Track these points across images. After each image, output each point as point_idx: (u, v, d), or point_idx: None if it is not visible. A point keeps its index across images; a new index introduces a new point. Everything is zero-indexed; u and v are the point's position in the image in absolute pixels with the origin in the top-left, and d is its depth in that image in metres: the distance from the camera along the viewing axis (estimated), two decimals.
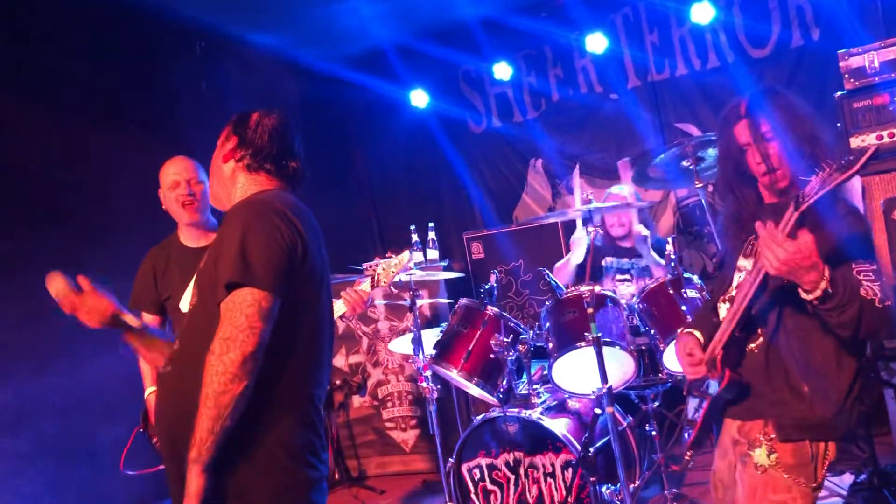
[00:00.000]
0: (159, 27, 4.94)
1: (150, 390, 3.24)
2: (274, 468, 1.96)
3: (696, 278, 3.74)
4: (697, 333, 2.39)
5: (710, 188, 4.24)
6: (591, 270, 3.58)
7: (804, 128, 2.23)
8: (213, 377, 1.84)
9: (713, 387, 2.31)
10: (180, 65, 5.22)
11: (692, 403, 2.44)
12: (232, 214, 2.08)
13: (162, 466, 2.87)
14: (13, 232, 4.06)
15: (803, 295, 1.98)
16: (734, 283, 2.32)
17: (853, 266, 2.05)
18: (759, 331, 2.24)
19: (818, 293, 1.93)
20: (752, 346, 2.25)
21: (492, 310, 3.87)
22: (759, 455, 2.16)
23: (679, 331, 2.50)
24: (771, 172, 2.25)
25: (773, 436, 2.16)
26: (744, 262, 2.31)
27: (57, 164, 4.12)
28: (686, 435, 2.45)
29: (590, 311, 3.30)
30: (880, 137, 3.46)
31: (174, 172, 3.26)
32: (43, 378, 4.14)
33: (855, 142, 3.50)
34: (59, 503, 4.15)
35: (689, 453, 2.47)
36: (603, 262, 4.57)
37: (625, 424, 3.82)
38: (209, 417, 1.84)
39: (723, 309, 2.34)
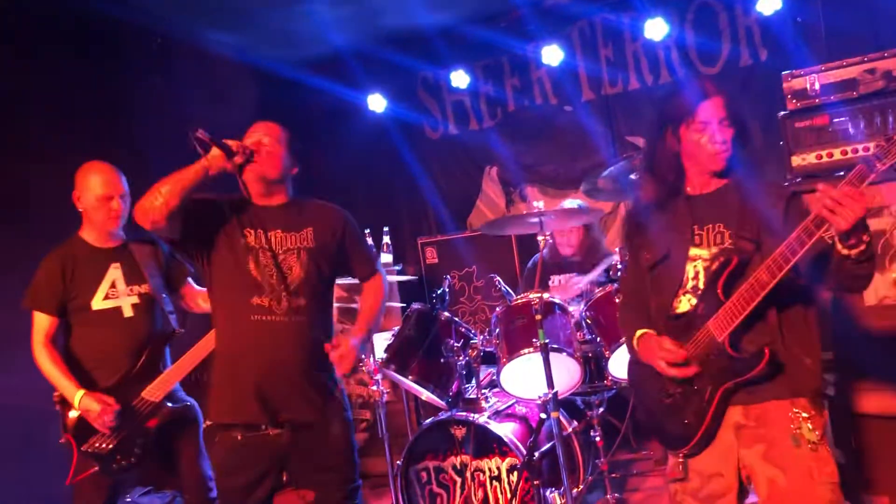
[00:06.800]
0: (115, 20, 4.88)
1: (80, 394, 3.14)
2: None
3: None
4: (653, 332, 2.40)
5: None
6: (540, 285, 3.63)
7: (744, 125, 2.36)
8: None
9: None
10: (135, 59, 5.18)
11: (673, 460, 2.42)
12: (340, 213, 3.03)
13: (95, 469, 3.18)
14: None
15: (845, 251, 2.03)
16: (690, 275, 2.35)
17: None
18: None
19: (862, 246, 2.01)
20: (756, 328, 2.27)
21: (443, 314, 3.92)
22: (808, 432, 2.20)
23: (636, 334, 2.45)
24: (726, 152, 2.32)
25: (806, 414, 2.21)
26: (698, 252, 2.35)
27: (9, 158, 4.07)
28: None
29: (538, 317, 3.36)
30: (819, 157, 3.59)
31: (105, 184, 3.30)
32: None
33: (796, 160, 3.61)
34: None
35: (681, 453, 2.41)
36: (550, 281, 4.63)
37: (570, 430, 3.89)
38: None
39: (684, 302, 2.36)
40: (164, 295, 3.39)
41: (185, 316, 3.52)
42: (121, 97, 5.02)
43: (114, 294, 3.33)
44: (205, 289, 3.42)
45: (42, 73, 4.45)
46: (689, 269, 2.36)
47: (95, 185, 3.29)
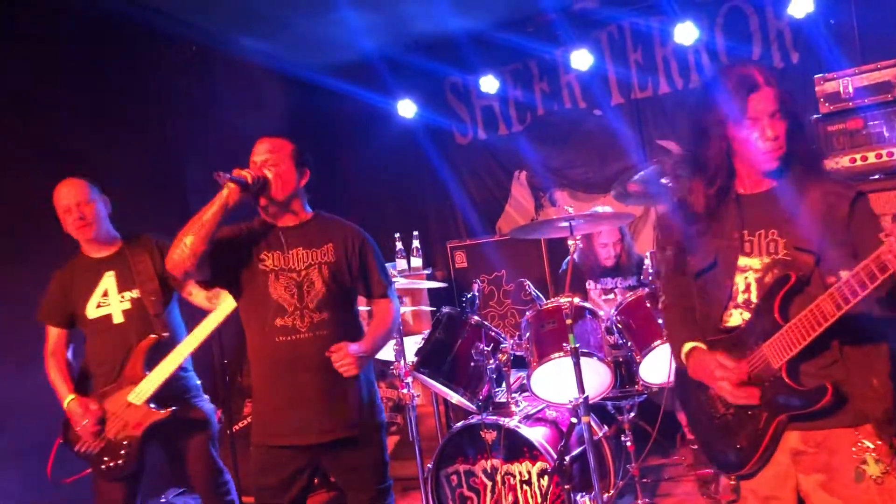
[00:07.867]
0: (152, 30, 4.98)
1: (69, 398, 3.33)
2: None
3: None
4: (703, 346, 2.23)
5: None
6: (574, 290, 3.63)
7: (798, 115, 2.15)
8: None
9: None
10: (171, 68, 5.27)
11: (725, 481, 2.31)
12: (360, 232, 3.06)
13: (89, 470, 3.28)
14: (3, 231, 4.07)
15: None
16: (741, 287, 2.17)
17: None
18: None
19: None
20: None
21: (473, 318, 3.94)
22: (873, 465, 2.02)
23: (685, 348, 2.27)
24: (779, 149, 2.09)
25: (871, 444, 2.03)
26: (748, 262, 2.16)
27: (48, 165, 4.16)
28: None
29: (568, 321, 3.37)
30: (853, 160, 3.56)
31: (63, 197, 3.36)
32: (26, 377, 4.13)
33: (829, 164, 3.60)
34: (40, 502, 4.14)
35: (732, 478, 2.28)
36: (587, 285, 4.63)
37: (600, 434, 3.88)
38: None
39: (735, 315, 2.19)
40: (152, 298, 3.40)
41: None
42: (156, 104, 5.12)
43: (105, 302, 3.40)
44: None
45: (78, 80, 4.55)
46: (740, 281, 2.17)
47: (57, 202, 3.36)
